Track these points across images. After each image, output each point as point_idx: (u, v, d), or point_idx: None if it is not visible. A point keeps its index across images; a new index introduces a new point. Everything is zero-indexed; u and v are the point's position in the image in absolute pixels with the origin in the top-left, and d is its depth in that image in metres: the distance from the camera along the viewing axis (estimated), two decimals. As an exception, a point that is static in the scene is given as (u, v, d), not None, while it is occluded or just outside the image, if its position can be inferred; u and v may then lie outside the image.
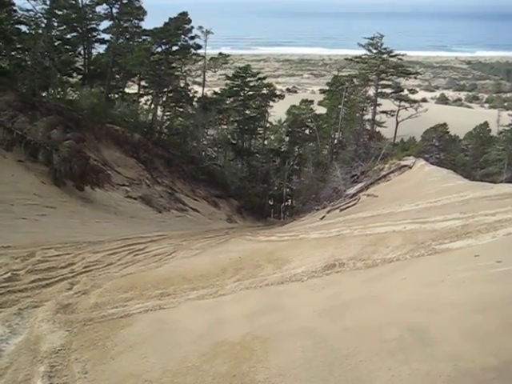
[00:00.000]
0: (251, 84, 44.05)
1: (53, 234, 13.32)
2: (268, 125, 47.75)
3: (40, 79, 29.84)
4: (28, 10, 31.79)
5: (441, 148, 42.85)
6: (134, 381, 4.60)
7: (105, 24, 40.26)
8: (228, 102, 44.79)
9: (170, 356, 5.09)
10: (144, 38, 40.62)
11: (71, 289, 7.90)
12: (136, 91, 42.93)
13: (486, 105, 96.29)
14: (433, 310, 5.03)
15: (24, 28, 31.90)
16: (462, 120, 55.54)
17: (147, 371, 4.77)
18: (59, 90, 33.07)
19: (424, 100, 69.93)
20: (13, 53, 31.42)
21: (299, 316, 5.87)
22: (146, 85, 42.41)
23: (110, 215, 20.60)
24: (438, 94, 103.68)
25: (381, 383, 3.91)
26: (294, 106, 47.23)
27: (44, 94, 31.71)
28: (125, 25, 39.97)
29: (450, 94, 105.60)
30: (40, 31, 31.87)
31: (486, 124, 45.88)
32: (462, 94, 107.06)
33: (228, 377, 4.47)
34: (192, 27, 39.44)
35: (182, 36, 39.25)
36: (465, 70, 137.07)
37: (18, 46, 31.56)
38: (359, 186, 27.88)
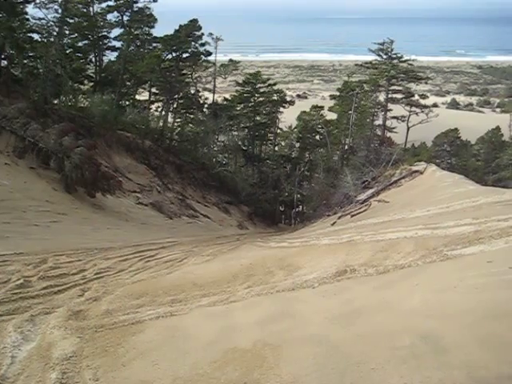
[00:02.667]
0: (261, 90, 44.11)
1: (64, 240, 13.38)
2: (278, 131, 47.76)
3: (52, 87, 30.11)
4: (40, 19, 32.09)
5: (452, 153, 42.67)
6: (145, 388, 4.61)
7: (116, 32, 40.66)
8: (238, 108, 44.86)
9: (181, 363, 5.07)
10: (155, 45, 40.92)
11: (83, 295, 7.91)
12: (147, 98, 43.10)
13: (498, 109, 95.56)
14: (445, 316, 4.99)
15: (36, 36, 32.24)
16: (474, 125, 55.16)
17: (158, 378, 4.76)
18: (71, 97, 33.39)
19: (435, 105, 69.42)
20: (25, 61, 31.75)
21: (311, 323, 5.84)
22: (157, 91, 42.64)
23: (121, 222, 20.66)
24: (449, 98, 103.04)
25: (393, 391, 3.89)
26: (304, 111, 47.16)
27: (56, 102, 32.05)
28: (135, 32, 40.28)
29: (461, 99, 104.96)
30: (52, 39, 32.19)
31: (497, 128, 45.56)
32: (474, 99, 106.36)
33: (239, 384, 4.46)
34: (202, 34, 39.64)
35: (193, 43, 39.45)
36: (476, 74, 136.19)
37: (31, 54, 31.93)
38: (370, 191, 27.81)
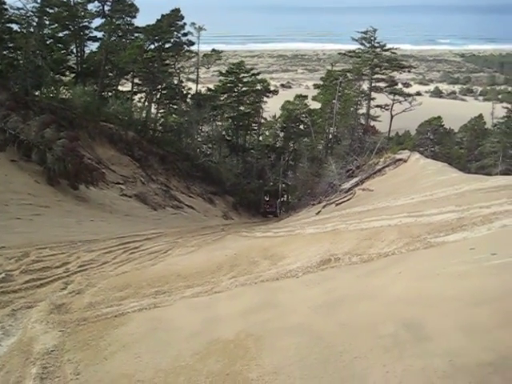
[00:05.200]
0: (245, 80, 44.01)
1: (47, 233, 13.25)
2: (262, 120, 47.70)
3: (32, 78, 29.73)
4: (19, 9, 31.54)
5: (435, 141, 42.86)
6: (127, 381, 4.56)
7: (97, 22, 40.06)
8: (222, 98, 44.76)
9: (164, 355, 5.04)
10: (136, 35, 40.49)
11: (65, 288, 7.84)
12: (129, 89, 42.75)
13: (481, 97, 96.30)
14: (428, 304, 4.99)
15: (15, 27, 31.69)
16: (457, 113, 55.51)
17: (140, 371, 4.72)
18: (52, 88, 32.88)
19: (418, 93, 69.81)
20: (4, 52, 31.25)
21: (294, 312, 5.83)
22: (140, 82, 42.30)
23: (104, 214, 20.52)
24: (432, 87, 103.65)
25: (375, 380, 3.87)
26: (288, 101, 47.13)
27: (37, 93, 31.60)
28: (117, 22, 39.75)
29: (445, 88, 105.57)
30: (31, 30, 31.74)
31: (480, 117, 45.89)
32: (457, 87, 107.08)
33: (221, 376, 4.43)
34: (185, 24, 39.33)
35: (175, 33, 39.16)
36: (459, 63, 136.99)
37: (10, 44, 31.38)
38: (354, 180, 27.90)
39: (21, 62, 30.83)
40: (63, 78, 38.17)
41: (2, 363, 5.10)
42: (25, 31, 31.47)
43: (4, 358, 5.21)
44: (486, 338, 4.04)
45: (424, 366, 3.85)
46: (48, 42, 35.68)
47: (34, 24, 32.60)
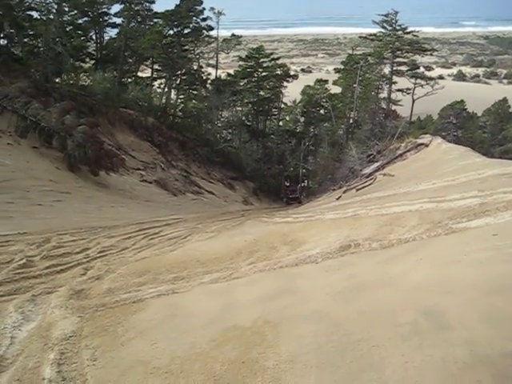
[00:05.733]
0: (265, 65, 43.88)
1: (68, 219, 13.38)
2: (283, 105, 47.55)
3: (52, 65, 29.95)
4: (39, -4, 31.69)
5: (458, 125, 42.37)
6: (143, 368, 4.55)
7: (116, 8, 40.16)
8: (242, 83, 44.69)
9: (180, 342, 5.02)
10: (155, 20, 40.56)
11: (85, 274, 7.87)
12: (149, 75, 42.90)
13: (505, 80, 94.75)
14: (449, 291, 4.88)
15: (35, 14, 31.94)
16: (480, 96, 54.68)
17: (156, 358, 4.71)
18: (72, 75, 33.15)
19: (441, 77, 68.66)
20: (25, 39, 31.50)
21: (312, 299, 5.76)
22: (159, 68, 42.40)
23: (125, 199, 20.66)
24: (455, 70, 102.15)
25: (393, 370, 3.80)
26: (308, 86, 46.90)
27: (57, 80, 31.89)
28: (136, 8, 39.81)
29: (468, 71, 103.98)
30: (51, 17, 31.90)
31: (504, 100, 45.17)
32: (480, 70, 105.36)
33: (237, 363, 4.39)
34: (204, 8, 39.35)
35: (194, 18, 39.14)
36: (482, 45, 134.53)
37: (30, 32, 31.62)
38: (375, 165, 27.66)
39: (41, 49, 31.07)
40: (83, 64, 38.50)
41: (22, 348, 5.13)
42: (44, 18, 31.71)
43: (23, 343, 5.25)
44: (509, 326, 3.94)
45: (444, 355, 3.76)
46: (68, 29, 35.90)
47: (54, 11, 32.80)
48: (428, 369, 3.70)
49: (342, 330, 4.59)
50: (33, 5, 31.71)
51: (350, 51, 49.93)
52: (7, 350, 5.07)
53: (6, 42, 30.96)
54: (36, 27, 31.12)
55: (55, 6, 33.00)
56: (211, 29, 40.72)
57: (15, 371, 4.66)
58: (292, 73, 48.96)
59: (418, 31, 42.02)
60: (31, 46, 32.20)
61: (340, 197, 23.18)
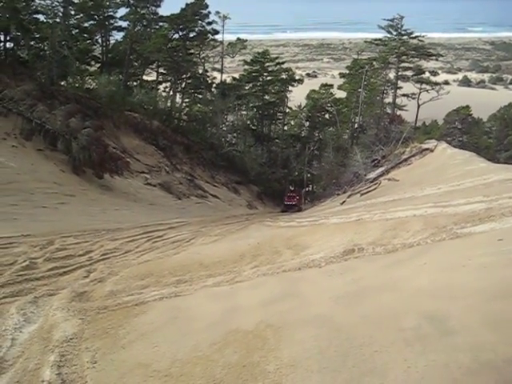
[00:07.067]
0: (270, 69, 43.97)
1: (72, 222, 13.39)
2: (287, 110, 47.56)
3: (58, 68, 30.09)
4: (45, -1, 31.84)
5: (463, 131, 42.24)
6: (143, 371, 4.53)
7: (122, 11, 40.26)
8: (247, 87, 44.80)
9: (181, 345, 5.00)
10: (161, 24, 40.61)
11: (88, 277, 7.88)
12: (154, 78, 42.98)
13: (511, 86, 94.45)
14: (453, 296, 4.85)
15: (41, 17, 32.07)
16: (486, 102, 54.52)
17: (157, 361, 4.69)
18: (77, 78, 33.26)
19: (446, 82, 68.51)
20: (31, 42, 31.64)
21: (315, 303, 5.74)
22: (165, 72, 42.54)
23: (129, 202, 20.67)
24: (460, 76, 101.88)
25: (396, 375, 3.76)
26: (313, 90, 46.91)
27: (62, 83, 32.01)
28: (142, 11, 39.94)
29: (473, 76, 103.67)
30: (57, 20, 32.06)
31: (510, 105, 45.03)
32: (486, 76, 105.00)
33: (238, 367, 4.36)
34: (209, 12, 39.40)
35: (199, 21, 39.27)
36: (488, 50, 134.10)
37: (36, 35, 31.76)
38: (380, 170, 27.63)
39: (47, 52, 31.22)
40: (88, 67, 38.60)
41: (22, 350, 5.13)
42: (51, 21, 31.87)
43: (24, 345, 5.24)
44: (514, 332, 3.90)
45: (447, 361, 3.72)
46: (73, 32, 36.04)
47: (60, 14, 32.99)
48: (431, 374, 3.67)
49: (345, 335, 4.56)
50: (39, 8, 31.85)
51: (356, 56, 50.01)
52: (7, 352, 5.06)
53: (12, 44, 31.10)
54: (42, 30, 31.28)
55: (61, 10, 33.17)
56: (216, 33, 40.83)
57: (15, 373, 4.65)
58: (297, 77, 48.94)
59: (423, 36, 41.94)
60: (37, 49, 32.33)
61: (344, 201, 23.15)
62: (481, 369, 3.57)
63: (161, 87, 43.53)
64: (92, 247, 10.03)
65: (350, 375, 3.91)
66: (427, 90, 41.10)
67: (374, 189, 23.17)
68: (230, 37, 44.45)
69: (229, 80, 45.20)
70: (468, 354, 3.73)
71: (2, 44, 30.50)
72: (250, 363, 4.39)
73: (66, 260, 8.72)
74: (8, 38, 30.36)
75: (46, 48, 31.71)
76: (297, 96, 46.48)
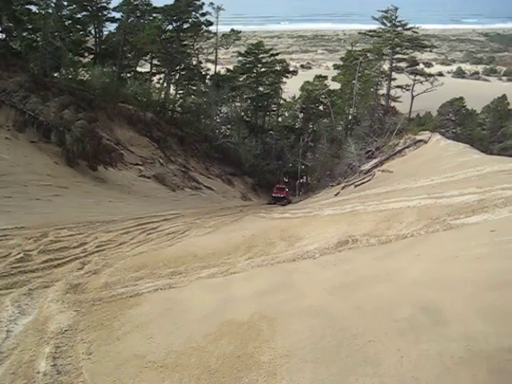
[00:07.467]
0: (264, 60, 43.89)
1: (66, 214, 13.34)
2: (282, 101, 47.52)
3: (51, 59, 29.92)
4: (37, -10, 31.62)
5: (457, 122, 42.34)
6: (138, 362, 4.55)
7: (115, 2, 39.98)
8: (241, 79, 44.72)
9: (176, 336, 5.02)
10: (155, 15, 40.34)
11: (82, 268, 7.86)
12: (148, 70, 42.81)
13: (505, 78, 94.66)
14: (446, 287, 4.89)
15: (34, 8, 31.82)
16: (480, 93, 54.60)
17: (152, 352, 4.71)
18: (71, 70, 33.04)
19: (440, 74, 68.59)
20: (24, 34, 31.41)
21: (309, 294, 5.76)
22: (158, 63, 42.38)
23: (123, 194, 20.63)
24: (454, 67, 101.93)
25: (389, 365, 3.79)
26: (307, 82, 46.84)
27: (56, 75, 31.81)
28: (135, 2, 39.65)
29: (467, 68, 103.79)
30: (50, 11, 31.84)
31: (504, 97, 45.16)
32: (480, 68, 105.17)
33: (232, 358, 4.39)
34: (203, 3, 39.21)
35: (193, 13, 39.06)
36: (482, 42, 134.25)
37: (29, 26, 31.55)
38: (374, 161, 27.68)
39: (40, 43, 31.02)
40: (82, 59, 38.37)
41: (17, 342, 5.13)
42: (43, 12, 31.60)
43: (19, 337, 5.24)
44: (505, 322, 3.93)
45: (440, 350, 3.76)
46: (66, 24, 35.91)
47: (53, 5, 32.80)
48: (424, 363, 3.70)
49: (338, 325, 4.59)
50: (31, -1, 31.68)
51: (350, 47, 49.87)
52: (2, 344, 5.06)
53: (4, 36, 30.95)
54: (35, 21, 31.05)
55: (54, 0, 33.00)
56: (210, 24, 40.67)
57: (10, 365, 4.65)
58: (291, 69, 49.00)
59: (417, 28, 41.91)
60: (30, 40, 32.13)
61: (338, 193, 23.21)
62: (473, 358, 3.61)
63: (155, 79, 43.38)
64: (86, 239, 10.00)
65: (343, 365, 3.94)
66: (421, 82, 41.12)
67: (368, 180, 23.24)
68: (223, 28, 44.25)
69: (223, 71, 45.09)
70: (461, 343, 3.77)
71: (-6, 35, 30.38)
72: (245, 354, 4.42)
73: (61, 252, 8.68)
74: (0, 29, 30.17)
75: (38, 39, 31.53)
76: (291, 87, 46.40)
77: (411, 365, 3.72)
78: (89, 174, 21.02)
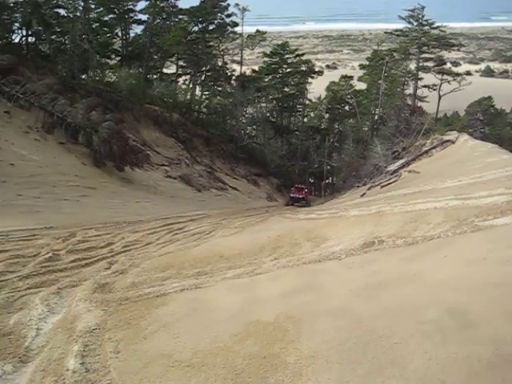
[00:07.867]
0: (289, 61, 43.81)
1: (94, 214, 13.53)
2: (307, 102, 47.34)
3: (79, 62, 30.33)
4: (66, -6, 32.08)
5: (485, 122, 41.67)
6: (165, 361, 4.58)
7: (141, 4, 40.44)
8: (266, 79, 44.68)
9: (202, 336, 5.05)
10: (180, 17, 40.64)
11: (109, 268, 7.96)
12: (174, 71, 43.08)
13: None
14: (474, 289, 4.82)
15: (62, 12, 32.33)
16: (509, 93, 53.67)
17: (178, 351, 4.74)
18: (98, 71, 33.46)
19: (468, 73, 67.04)
20: (52, 37, 31.91)
21: (335, 295, 5.74)
22: (184, 64, 42.59)
23: (149, 195, 20.81)
24: (482, 66, 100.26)
25: (416, 367, 3.76)
26: (333, 82, 46.60)
27: (83, 77, 32.19)
28: (161, 4, 40.00)
29: (496, 66, 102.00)
30: (78, 14, 32.23)
31: (534, 96, 44.27)
32: (509, 66, 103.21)
33: (258, 358, 4.40)
34: (228, 5, 39.37)
35: (219, 14, 39.22)
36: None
37: (57, 29, 32.04)
38: (400, 162, 27.40)
39: (68, 46, 31.49)
40: (109, 61, 38.82)
41: (47, 340, 5.22)
42: (71, 16, 32.04)
43: (49, 335, 5.34)
44: (535, 325, 3.88)
45: (468, 354, 3.71)
46: (94, 26, 36.30)
47: (80, 8, 33.16)
48: (451, 366, 3.66)
49: (364, 327, 4.56)
50: (60, 2, 32.09)
51: (376, 47, 49.48)
52: (33, 341, 5.17)
53: (33, 39, 31.48)
54: (63, 24, 31.57)
55: (82, 4, 33.38)
56: (236, 25, 40.79)
57: (40, 362, 4.74)
58: (317, 69, 48.80)
59: (445, 26, 41.36)
60: (58, 43, 32.68)
61: (364, 193, 23.04)
62: (502, 362, 3.56)
63: (180, 80, 43.63)
64: (113, 239, 10.13)
65: (369, 366, 3.92)
66: (448, 81, 40.55)
67: (395, 181, 23.01)
68: (249, 29, 44.30)
69: (248, 72, 45.13)
70: (489, 346, 3.72)
71: (24, 38, 30.91)
72: (271, 354, 4.42)
73: (88, 252, 8.81)
74: (30, 33, 30.72)
75: (66, 42, 32.04)
76: (316, 88, 46.22)
77: (438, 367, 3.67)
78: (116, 175, 21.27)
